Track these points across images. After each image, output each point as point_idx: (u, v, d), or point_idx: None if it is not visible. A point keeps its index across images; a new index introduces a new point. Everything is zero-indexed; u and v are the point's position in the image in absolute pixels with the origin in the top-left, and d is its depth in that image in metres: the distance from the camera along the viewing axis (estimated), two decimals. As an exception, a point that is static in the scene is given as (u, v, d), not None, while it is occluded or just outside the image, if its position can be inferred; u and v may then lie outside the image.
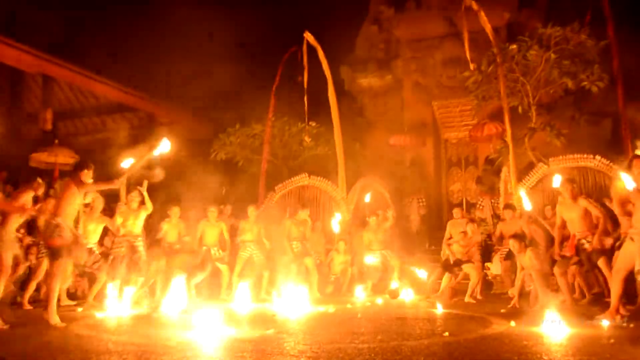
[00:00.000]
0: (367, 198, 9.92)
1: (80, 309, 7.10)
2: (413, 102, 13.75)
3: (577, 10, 10.58)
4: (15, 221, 5.71)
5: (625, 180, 5.28)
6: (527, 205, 7.50)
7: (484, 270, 8.43)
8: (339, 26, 13.42)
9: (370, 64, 14.19)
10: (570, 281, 6.97)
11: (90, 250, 7.52)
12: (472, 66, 10.54)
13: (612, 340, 4.53)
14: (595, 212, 6.30)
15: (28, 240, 8.06)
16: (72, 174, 6.02)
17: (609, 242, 6.32)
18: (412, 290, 8.37)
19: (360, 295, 8.59)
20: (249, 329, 5.29)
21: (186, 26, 13.59)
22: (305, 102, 11.45)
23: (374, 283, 9.05)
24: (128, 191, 8.13)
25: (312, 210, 9.84)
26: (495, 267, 8.32)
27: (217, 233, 8.82)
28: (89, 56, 13.52)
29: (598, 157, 8.60)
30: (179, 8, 13.66)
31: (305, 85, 11.37)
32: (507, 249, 7.69)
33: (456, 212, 9.10)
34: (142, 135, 13.23)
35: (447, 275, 8.24)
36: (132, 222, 7.76)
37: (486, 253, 8.57)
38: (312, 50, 11.15)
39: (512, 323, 5.44)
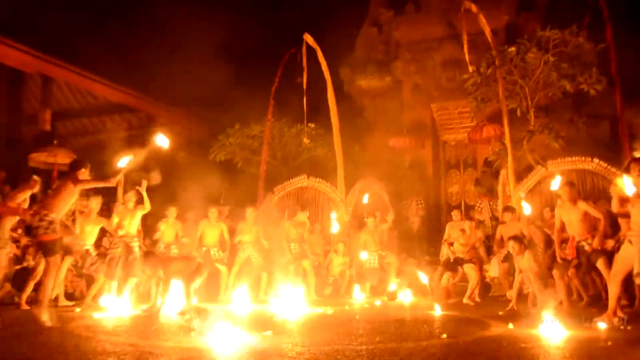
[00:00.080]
0: (365, 199, 9.93)
1: (78, 310, 7.09)
2: (412, 103, 13.77)
3: (576, 13, 10.61)
4: (10, 221, 5.72)
5: (625, 184, 5.29)
6: (526, 209, 7.51)
7: (482, 273, 8.43)
8: (339, 28, 13.43)
9: (370, 65, 14.21)
10: (566, 282, 6.97)
11: (87, 252, 7.53)
12: (471, 68, 10.57)
13: (609, 343, 4.54)
14: (596, 214, 6.32)
15: (25, 240, 8.06)
16: (69, 172, 6.01)
17: (610, 244, 6.33)
18: (411, 292, 8.37)
19: (359, 297, 8.60)
20: (247, 330, 5.29)
21: (185, 27, 13.61)
22: (305, 104, 11.46)
23: (372, 285, 9.06)
24: (125, 191, 8.12)
25: (311, 212, 9.85)
26: (493, 270, 8.34)
27: (217, 234, 8.82)
28: (89, 56, 13.52)
29: (596, 160, 8.63)
30: (178, 9, 13.67)
31: (305, 87, 11.39)
32: (506, 251, 7.70)
33: (455, 214, 9.10)
34: (141, 135, 13.23)
35: (446, 275, 8.24)
36: (129, 222, 7.75)
37: (485, 255, 8.59)
38: (311, 51, 11.16)
39: (510, 325, 5.44)
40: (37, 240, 5.71)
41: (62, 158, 11.34)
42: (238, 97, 13.69)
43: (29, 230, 7.82)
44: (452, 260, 8.25)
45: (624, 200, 5.59)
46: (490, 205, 10.20)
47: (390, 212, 9.66)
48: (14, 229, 7.40)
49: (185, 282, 6.63)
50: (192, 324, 5.45)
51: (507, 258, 7.74)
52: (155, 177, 7.91)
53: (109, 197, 8.92)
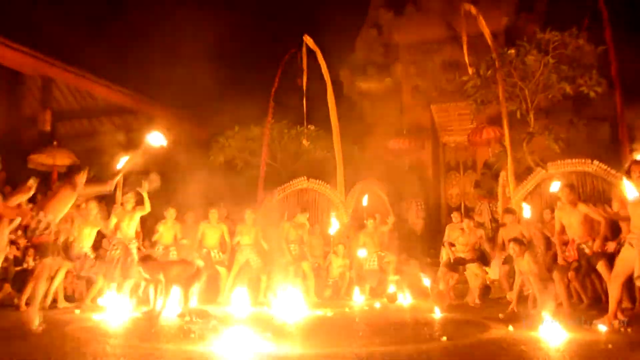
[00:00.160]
0: (365, 201, 9.93)
1: (77, 311, 7.08)
2: (412, 105, 13.77)
3: (575, 14, 10.63)
4: (9, 224, 5.66)
5: (627, 189, 5.28)
6: (526, 212, 7.51)
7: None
8: (338, 29, 13.43)
9: (370, 67, 14.21)
10: (566, 285, 6.97)
11: (85, 255, 7.51)
12: (470, 70, 10.59)
13: (610, 346, 4.53)
14: (597, 216, 6.31)
15: (24, 241, 8.05)
16: (67, 176, 6.01)
17: (612, 246, 6.33)
18: (410, 294, 8.37)
19: (359, 299, 8.59)
20: (247, 332, 5.28)
21: (185, 28, 13.60)
22: (304, 105, 11.47)
23: (372, 286, 9.05)
24: (124, 193, 8.12)
25: (310, 213, 9.84)
26: (494, 272, 8.33)
27: (217, 235, 8.82)
28: (88, 58, 13.52)
29: (596, 162, 8.63)
30: (178, 10, 13.68)
31: (305, 88, 11.40)
32: (507, 254, 7.69)
33: (455, 216, 9.10)
34: (140, 137, 13.22)
35: (446, 277, 8.23)
36: (127, 223, 7.75)
37: (484, 257, 8.58)
38: (311, 53, 11.17)
39: (510, 328, 5.44)
40: (32, 242, 5.68)
41: (61, 159, 11.35)
42: (238, 98, 13.69)
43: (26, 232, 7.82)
44: (452, 261, 8.25)
45: (624, 203, 5.59)
46: (490, 207, 10.19)
47: (391, 215, 9.67)
48: (13, 231, 7.39)
49: (184, 286, 6.62)
50: (192, 326, 5.44)
51: (508, 260, 7.73)
52: (155, 180, 7.89)
53: (108, 199, 8.91)
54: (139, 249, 7.88)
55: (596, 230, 6.39)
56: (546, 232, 7.77)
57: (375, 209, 9.90)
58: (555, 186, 7.69)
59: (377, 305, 8.12)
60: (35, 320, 5.40)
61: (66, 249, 7.40)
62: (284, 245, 8.97)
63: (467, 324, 6.14)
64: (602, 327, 5.22)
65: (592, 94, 9.71)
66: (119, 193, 8.27)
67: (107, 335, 5.35)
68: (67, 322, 5.96)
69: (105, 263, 7.67)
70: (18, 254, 8.04)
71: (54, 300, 7.56)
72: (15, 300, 7.37)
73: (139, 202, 7.77)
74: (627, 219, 5.54)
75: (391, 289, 8.69)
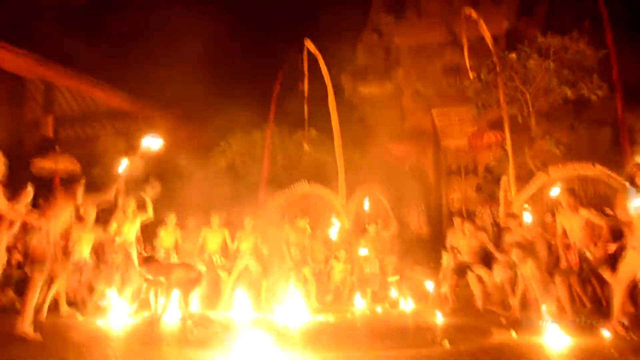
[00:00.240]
0: (366, 206, 9.91)
1: (79, 316, 7.08)
2: (413, 109, 13.78)
3: (576, 18, 10.65)
4: (7, 229, 5.62)
5: (630, 195, 5.27)
6: (527, 217, 7.51)
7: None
8: (340, 34, 13.48)
9: (371, 71, 14.23)
10: (568, 289, 6.95)
11: (85, 261, 7.50)
12: (471, 74, 10.60)
13: (613, 350, 4.53)
14: (598, 221, 6.31)
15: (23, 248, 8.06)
16: (65, 187, 5.99)
17: (612, 247, 6.31)
18: (412, 299, 8.35)
19: (360, 304, 8.57)
20: (248, 338, 5.27)
21: (186, 33, 13.64)
22: (306, 110, 11.48)
23: (373, 291, 9.03)
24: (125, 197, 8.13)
25: (312, 218, 9.83)
26: (497, 275, 8.28)
27: (219, 240, 8.82)
28: (90, 63, 13.57)
29: (598, 166, 8.62)
30: (179, 15, 13.73)
31: (306, 93, 11.41)
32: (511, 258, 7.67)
33: (456, 220, 9.08)
34: (139, 141, 13.24)
35: (447, 282, 8.22)
36: (128, 228, 7.75)
37: (488, 260, 8.55)
38: (312, 58, 11.19)
39: (513, 333, 5.43)
40: (30, 252, 5.62)
41: (63, 164, 11.37)
42: (239, 102, 13.72)
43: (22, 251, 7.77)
44: (453, 266, 8.22)
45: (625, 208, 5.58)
46: (491, 211, 10.18)
47: (393, 220, 9.66)
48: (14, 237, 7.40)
49: (184, 290, 6.62)
50: (193, 331, 5.44)
51: (512, 265, 7.71)
52: (155, 186, 7.89)
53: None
54: (139, 253, 7.88)
55: (597, 235, 6.38)
56: (548, 237, 7.76)
57: (377, 214, 9.89)
58: (555, 191, 7.69)
59: (379, 310, 8.11)
60: (29, 329, 5.32)
61: (65, 255, 7.38)
62: (284, 249, 8.96)
63: (469, 329, 6.13)
64: (605, 332, 5.21)
65: (593, 98, 9.72)
66: (120, 198, 8.29)
67: (109, 340, 5.36)
68: (69, 327, 5.96)
69: (106, 267, 7.68)
70: (20, 258, 8.04)
71: (56, 305, 7.56)
72: (18, 305, 7.36)
73: (140, 207, 7.76)
74: (629, 223, 5.53)
75: (393, 293, 8.67)
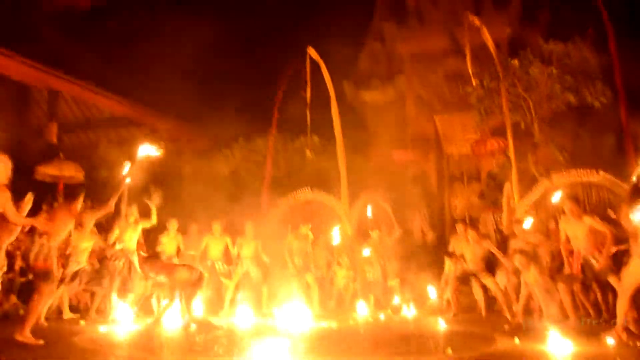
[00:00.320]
0: (369, 212, 9.90)
1: (83, 322, 7.09)
2: (415, 116, 13.78)
3: (579, 25, 10.65)
4: (7, 237, 5.61)
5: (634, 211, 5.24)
6: (527, 224, 7.51)
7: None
8: (342, 41, 13.50)
9: (373, 78, 14.26)
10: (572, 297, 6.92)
11: (83, 269, 7.51)
12: (474, 81, 10.60)
13: (617, 358, 4.50)
14: (602, 228, 6.29)
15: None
16: (65, 202, 5.98)
17: (613, 249, 6.28)
18: (415, 306, 8.32)
19: (363, 311, 8.55)
20: (251, 345, 5.26)
21: (190, 41, 13.70)
22: (308, 116, 11.49)
23: (376, 297, 9.01)
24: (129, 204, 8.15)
25: (315, 225, 9.83)
26: (501, 280, 8.25)
27: (221, 247, 8.83)
28: (94, 71, 13.63)
29: (602, 172, 8.59)
30: (182, 23, 13.79)
31: (308, 100, 11.43)
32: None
33: (459, 227, 9.06)
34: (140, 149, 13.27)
35: (449, 289, 8.19)
36: (129, 235, 7.78)
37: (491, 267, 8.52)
38: (315, 65, 11.22)
39: (516, 340, 5.40)
40: (34, 268, 5.60)
41: (67, 171, 11.40)
42: (241, 109, 13.77)
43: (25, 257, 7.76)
44: (457, 273, 8.19)
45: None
46: (494, 218, 10.15)
47: (396, 228, 9.65)
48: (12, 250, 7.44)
49: (187, 294, 6.61)
50: (197, 338, 5.43)
51: (517, 272, 7.68)
52: (156, 198, 7.92)
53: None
54: (140, 255, 7.92)
55: (601, 242, 6.35)
56: (550, 243, 7.73)
57: (380, 220, 9.88)
58: (556, 196, 7.67)
59: (382, 316, 8.08)
60: (31, 339, 5.29)
61: (64, 261, 7.37)
62: (287, 257, 8.97)
63: (472, 336, 6.10)
64: (610, 340, 5.18)
65: (596, 104, 9.70)
66: (123, 205, 8.32)
67: (113, 346, 5.36)
68: (72, 333, 5.96)
69: (108, 273, 7.70)
70: (23, 264, 8.06)
71: (59, 312, 7.58)
72: (21, 311, 7.38)
73: (144, 214, 7.79)
74: (634, 233, 5.50)
75: (395, 300, 8.65)
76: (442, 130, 13.80)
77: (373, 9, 14.98)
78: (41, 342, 5.19)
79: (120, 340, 5.83)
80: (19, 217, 5.17)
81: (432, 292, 8.58)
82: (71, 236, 7.45)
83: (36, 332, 5.58)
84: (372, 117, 14.42)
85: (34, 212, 7.08)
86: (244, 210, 10.34)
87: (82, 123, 15.53)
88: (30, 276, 7.96)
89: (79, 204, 5.95)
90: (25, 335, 5.22)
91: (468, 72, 10.73)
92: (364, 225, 10.10)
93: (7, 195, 4.97)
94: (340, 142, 10.85)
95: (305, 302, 8.12)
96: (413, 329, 6.99)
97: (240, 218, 9.92)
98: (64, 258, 7.35)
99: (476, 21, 10.12)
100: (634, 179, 5.76)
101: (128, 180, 6.01)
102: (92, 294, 7.96)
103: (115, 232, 7.81)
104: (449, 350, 4.92)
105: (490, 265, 8.46)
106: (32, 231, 6.98)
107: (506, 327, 6.52)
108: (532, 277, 6.83)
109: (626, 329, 5.25)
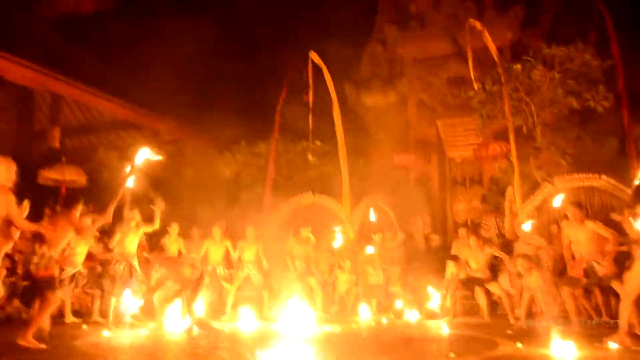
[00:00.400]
0: (373, 217, 9.89)
1: (85, 326, 7.09)
2: (417, 120, 13.78)
3: (581, 29, 10.65)
4: (5, 244, 5.59)
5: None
6: (526, 226, 7.51)
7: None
8: (344, 45, 13.52)
9: (375, 82, 14.25)
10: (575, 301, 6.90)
11: (80, 273, 7.51)
12: (476, 85, 10.60)
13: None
14: (606, 233, 6.27)
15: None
16: (64, 209, 5.94)
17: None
18: (417, 310, 8.31)
19: (365, 315, 8.54)
20: (253, 348, 5.26)
21: (192, 44, 13.73)
22: (310, 121, 11.51)
23: (378, 301, 9.00)
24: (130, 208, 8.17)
25: (317, 229, 9.83)
26: (504, 283, 8.23)
27: (222, 252, 8.83)
28: (96, 74, 13.67)
29: (604, 177, 8.58)
30: (184, 26, 13.83)
31: (310, 104, 11.44)
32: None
33: (462, 232, 9.06)
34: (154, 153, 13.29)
35: (450, 294, 8.17)
36: (130, 240, 7.80)
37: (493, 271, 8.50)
38: (317, 69, 11.24)
39: (519, 344, 5.39)
40: (35, 277, 5.58)
41: (70, 175, 11.42)
42: (243, 113, 13.78)
43: (25, 266, 7.74)
44: (461, 278, 8.17)
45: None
46: (496, 222, 10.13)
47: (399, 232, 9.64)
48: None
49: (188, 295, 6.61)
50: (199, 342, 5.42)
51: (520, 275, 7.67)
52: (159, 204, 7.92)
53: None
54: (142, 256, 7.95)
55: (604, 246, 6.34)
56: (552, 247, 7.73)
57: (382, 224, 9.87)
58: (558, 200, 7.66)
59: (384, 320, 8.07)
60: (34, 343, 5.25)
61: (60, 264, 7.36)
62: (288, 261, 8.98)
63: (475, 340, 6.08)
64: (613, 345, 5.16)
65: (599, 109, 9.69)
66: (125, 210, 8.33)
67: (115, 351, 5.35)
68: (74, 336, 5.96)
69: (109, 278, 7.72)
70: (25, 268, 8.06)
71: (62, 315, 7.57)
72: (24, 315, 7.38)
73: (147, 218, 7.81)
74: (637, 239, 5.49)
75: (398, 304, 8.64)
76: (444, 134, 13.78)
77: (375, 13, 15.01)
78: (43, 346, 5.19)
79: (122, 344, 5.82)
80: (24, 222, 5.18)
81: (432, 296, 8.56)
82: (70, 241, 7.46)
83: (40, 335, 5.58)
84: (374, 120, 14.42)
85: (35, 216, 7.11)
86: (246, 213, 10.35)
87: (84, 127, 15.58)
88: (33, 282, 7.98)
89: (78, 212, 5.93)
90: (27, 340, 5.21)
91: (470, 76, 10.73)
92: (366, 229, 10.10)
93: (13, 199, 4.98)
94: (342, 146, 10.86)
95: (308, 306, 8.11)
96: (416, 333, 6.98)
97: (241, 222, 9.93)
98: (61, 261, 7.35)
99: (478, 25, 10.13)
100: (637, 182, 5.78)
101: (130, 183, 5.99)
102: (92, 297, 7.96)
103: (117, 236, 7.82)
104: (452, 355, 4.90)
105: (493, 269, 8.45)
106: (33, 238, 6.98)
107: (509, 331, 6.50)
108: (534, 281, 6.82)
109: (631, 334, 5.23)
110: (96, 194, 8.87)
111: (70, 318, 7.61)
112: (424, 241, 10.08)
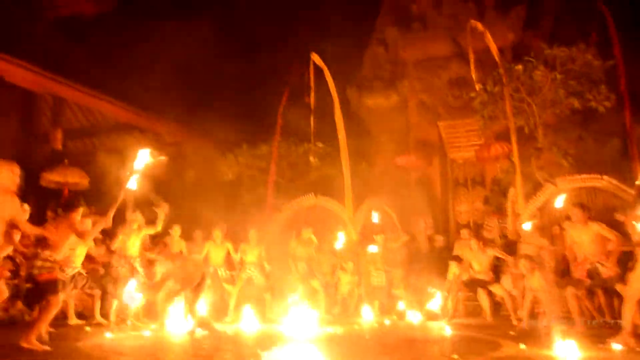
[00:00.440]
0: (376, 218, 9.89)
1: (88, 328, 7.10)
2: (419, 122, 13.77)
3: (582, 30, 10.65)
4: (4, 248, 5.58)
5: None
6: (527, 225, 7.50)
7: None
8: (345, 47, 13.54)
9: (376, 84, 14.25)
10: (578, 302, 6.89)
11: (79, 274, 7.52)
12: (477, 86, 10.60)
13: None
14: (609, 235, 6.26)
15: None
16: (64, 213, 5.92)
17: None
18: (420, 312, 8.30)
19: (368, 316, 8.53)
20: (256, 350, 5.25)
21: (194, 47, 13.76)
22: (312, 123, 11.52)
23: (381, 303, 9.00)
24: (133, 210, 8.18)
25: (319, 230, 9.83)
26: (507, 284, 8.22)
27: (222, 254, 8.84)
28: (98, 77, 13.70)
29: (606, 177, 8.57)
30: (186, 29, 13.86)
31: (312, 106, 11.46)
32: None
33: (464, 233, 9.05)
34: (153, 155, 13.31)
35: (452, 295, 8.16)
36: (133, 242, 7.81)
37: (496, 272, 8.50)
38: (318, 70, 11.25)
39: (522, 346, 5.38)
40: (38, 281, 5.58)
41: (72, 177, 11.46)
42: (245, 116, 13.80)
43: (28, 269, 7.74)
44: (464, 279, 8.16)
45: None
46: (499, 223, 10.13)
47: (402, 233, 9.64)
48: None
49: (189, 296, 6.61)
50: (202, 344, 5.42)
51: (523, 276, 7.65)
52: (163, 208, 7.94)
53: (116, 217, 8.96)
54: (145, 256, 7.97)
55: (608, 247, 6.33)
56: (555, 248, 7.72)
57: (384, 226, 9.87)
58: (559, 201, 7.65)
59: (387, 322, 8.06)
60: (37, 345, 5.26)
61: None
62: (290, 263, 8.98)
63: (478, 341, 6.08)
64: (616, 346, 5.15)
65: (601, 109, 9.69)
66: (128, 212, 8.35)
67: (118, 353, 5.35)
68: (77, 338, 5.97)
69: (111, 279, 7.73)
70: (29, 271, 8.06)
71: (65, 317, 7.59)
72: (27, 317, 7.39)
73: (150, 220, 7.83)
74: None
75: (400, 306, 8.63)
76: (446, 136, 13.77)
77: (376, 15, 15.01)
78: (47, 347, 5.20)
79: (124, 346, 5.83)
80: (29, 226, 5.19)
81: (433, 297, 8.55)
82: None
83: (42, 337, 5.59)
84: (376, 122, 14.42)
85: (38, 219, 7.13)
86: (248, 216, 10.37)
87: (86, 129, 15.59)
88: (36, 284, 7.99)
89: (79, 214, 5.93)
90: (30, 342, 5.22)
91: (471, 77, 10.74)
92: (368, 231, 10.10)
93: (18, 203, 4.99)
94: (344, 148, 10.86)
95: (310, 307, 8.11)
96: (418, 334, 6.97)
97: (244, 224, 9.94)
98: (61, 263, 7.35)
99: (479, 27, 10.14)
100: (639, 182, 5.77)
101: (133, 185, 5.98)
102: (93, 297, 7.98)
103: (119, 238, 7.84)
104: (455, 356, 4.90)
105: (496, 270, 8.45)
106: (36, 241, 6.98)
107: (512, 332, 6.49)
108: (537, 282, 6.81)
109: (635, 335, 5.21)
110: (98, 196, 8.88)
111: (73, 320, 7.63)
112: (426, 242, 10.08)
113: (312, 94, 11.46)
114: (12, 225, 5.08)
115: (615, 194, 8.44)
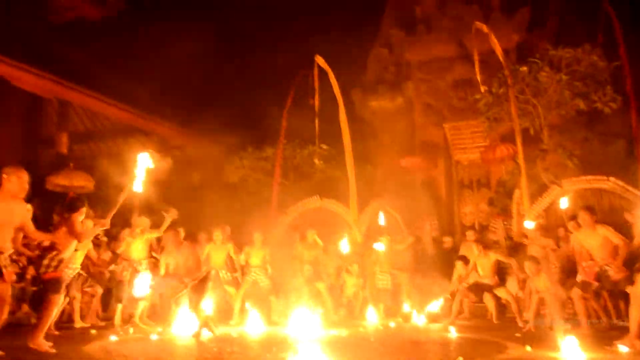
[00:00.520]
0: (382, 220, 9.87)
1: (93, 331, 7.11)
2: (424, 124, 13.76)
3: (588, 31, 10.62)
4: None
5: None
6: (529, 224, 7.47)
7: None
8: (350, 49, 13.56)
9: (381, 86, 14.25)
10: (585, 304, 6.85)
11: (79, 274, 7.53)
12: (482, 88, 10.59)
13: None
14: (617, 240, 6.22)
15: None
16: (66, 215, 5.92)
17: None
18: (425, 314, 8.27)
19: (373, 319, 8.51)
20: (261, 352, 5.26)
21: (199, 51, 13.80)
22: (317, 125, 11.53)
23: (386, 305, 8.97)
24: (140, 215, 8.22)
25: (324, 233, 9.82)
26: (512, 286, 8.19)
27: (223, 255, 8.81)
28: (103, 81, 13.76)
29: (612, 179, 8.53)
30: (191, 32, 13.91)
31: (317, 108, 11.47)
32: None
33: (469, 234, 9.02)
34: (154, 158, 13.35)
35: (459, 295, 8.13)
36: (136, 246, 7.84)
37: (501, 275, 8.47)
38: (323, 73, 11.26)
39: (528, 348, 5.35)
40: (44, 278, 5.60)
41: (77, 181, 11.50)
42: (250, 118, 13.82)
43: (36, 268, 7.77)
44: (470, 282, 8.13)
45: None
46: (504, 225, 10.10)
47: (407, 235, 9.62)
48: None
49: (192, 299, 6.61)
50: (208, 347, 5.41)
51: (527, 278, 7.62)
52: (172, 214, 7.96)
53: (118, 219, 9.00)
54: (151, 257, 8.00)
55: (615, 250, 6.29)
56: (560, 249, 7.68)
57: (389, 228, 9.85)
58: (564, 202, 7.61)
59: (392, 324, 8.04)
60: (43, 342, 5.30)
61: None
62: (296, 267, 8.97)
63: (483, 343, 6.05)
64: (622, 348, 5.11)
65: (606, 110, 9.65)
66: (134, 216, 8.38)
67: (123, 355, 5.36)
68: (83, 341, 5.98)
69: (115, 282, 7.75)
70: (35, 273, 8.10)
71: (70, 320, 7.61)
72: (33, 320, 7.41)
73: (156, 225, 7.86)
74: None
75: (406, 308, 8.61)
76: (451, 137, 13.75)
77: (381, 17, 15.02)
78: (53, 350, 5.21)
79: (130, 349, 5.83)
80: (37, 233, 5.21)
81: (437, 298, 8.52)
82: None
83: (47, 340, 5.60)
84: (381, 124, 14.41)
85: (44, 222, 7.16)
86: (253, 218, 10.37)
87: (91, 133, 15.66)
88: (41, 285, 8.02)
89: (82, 216, 5.95)
90: (37, 343, 5.25)
91: (476, 79, 10.73)
92: (373, 233, 10.09)
93: (27, 209, 5.02)
94: (348, 150, 10.86)
95: (316, 310, 8.10)
96: (424, 336, 6.95)
97: (248, 226, 9.93)
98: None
99: (484, 28, 10.12)
100: None
101: (139, 188, 5.99)
102: (92, 297, 7.99)
103: (124, 241, 7.87)
104: (460, 358, 4.88)
105: (501, 272, 8.42)
106: (42, 245, 7.01)
107: (518, 334, 6.46)
108: (542, 284, 6.78)
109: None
110: (104, 199, 8.92)
111: (79, 323, 7.64)
112: (431, 244, 10.06)
113: (317, 97, 11.47)
114: (19, 230, 5.09)
115: (621, 195, 8.40)
